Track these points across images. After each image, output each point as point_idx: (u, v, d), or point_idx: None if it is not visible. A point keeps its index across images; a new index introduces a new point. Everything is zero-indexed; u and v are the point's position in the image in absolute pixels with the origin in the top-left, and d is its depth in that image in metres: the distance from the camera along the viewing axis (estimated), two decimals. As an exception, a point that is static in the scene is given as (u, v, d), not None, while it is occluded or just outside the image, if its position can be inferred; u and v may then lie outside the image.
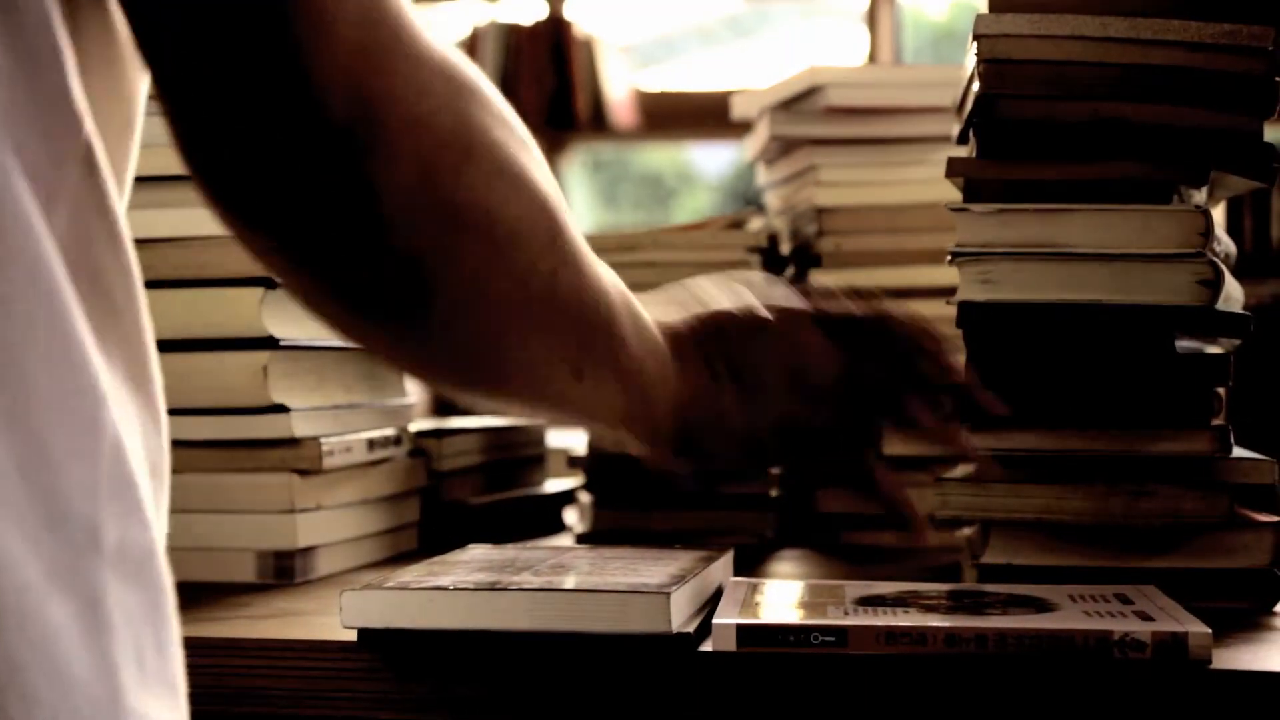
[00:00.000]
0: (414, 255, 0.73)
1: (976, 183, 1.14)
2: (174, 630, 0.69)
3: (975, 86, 1.13)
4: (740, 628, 0.91)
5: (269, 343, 1.20)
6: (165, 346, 0.76)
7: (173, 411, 0.75)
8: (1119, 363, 1.10)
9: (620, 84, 4.58)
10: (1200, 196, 1.14)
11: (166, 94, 0.69)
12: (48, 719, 0.59)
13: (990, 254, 1.10)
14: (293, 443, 1.20)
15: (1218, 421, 1.09)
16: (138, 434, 0.69)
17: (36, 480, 0.61)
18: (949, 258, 1.12)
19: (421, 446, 1.41)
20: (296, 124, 0.67)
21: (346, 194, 0.69)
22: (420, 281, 0.74)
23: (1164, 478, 1.08)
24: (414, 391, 1.46)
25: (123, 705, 0.63)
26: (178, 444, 0.77)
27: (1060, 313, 1.09)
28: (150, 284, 0.73)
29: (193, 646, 0.97)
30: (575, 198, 4.62)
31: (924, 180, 1.47)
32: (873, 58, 4.34)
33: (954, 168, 1.15)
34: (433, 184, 0.71)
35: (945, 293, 1.14)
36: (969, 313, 1.11)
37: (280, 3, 0.64)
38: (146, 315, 0.71)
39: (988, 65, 1.11)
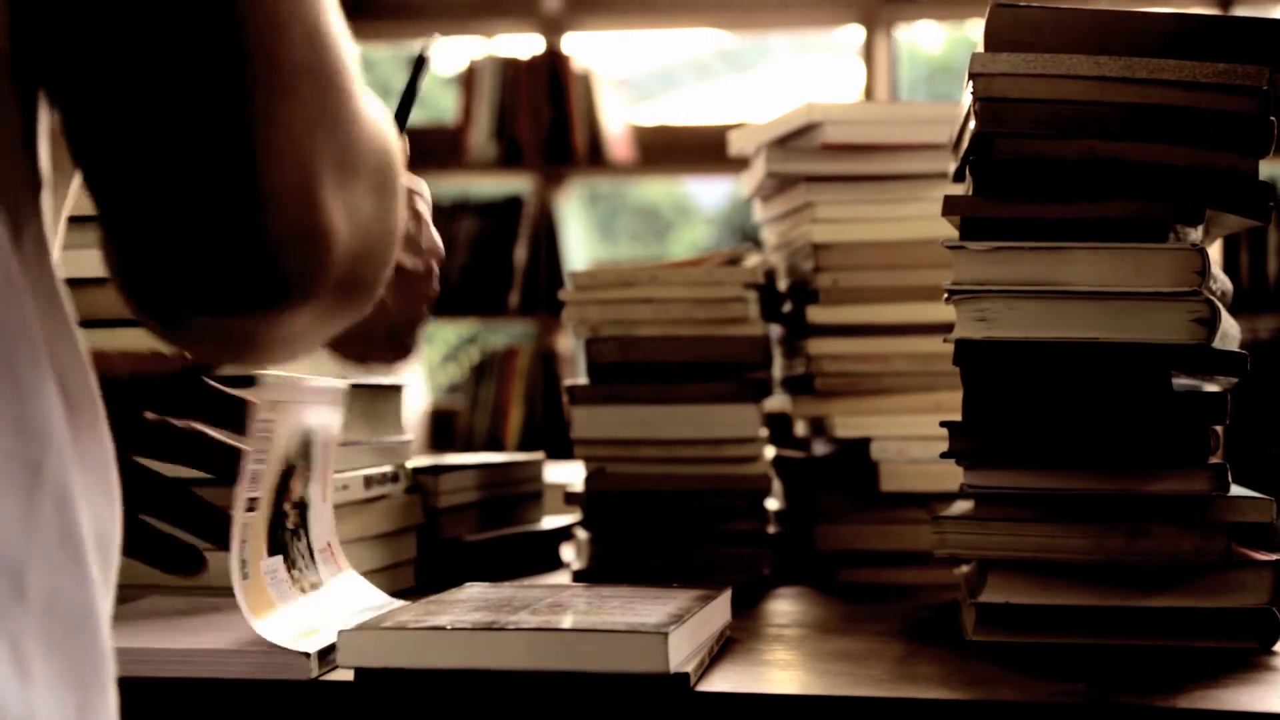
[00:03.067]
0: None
1: (973, 221, 1.14)
2: (109, 700, 0.65)
3: (971, 125, 1.13)
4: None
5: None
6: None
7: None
8: (1115, 401, 1.10)
9: (617, 118, 4.59)
10: (1196, 235, 1.14)
11: (105, 221, 0.66)
12: None
13: (987, 292, 1.11)
14: (289, 480, 1.20)
15: (1215, 460, 1.09)
16: (85, 497, 0.66)
17: None
18: (945, 295, 1.12)
19: (419, 483, 1.41)
20: (245, 279, 0.66)
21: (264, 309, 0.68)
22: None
23: (1161, 517, 1.08)
24: (411, 429, 1.46)
25: None
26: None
27: (1056, 351, 1.09)
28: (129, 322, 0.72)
29: (188, 686, 0.97)
30: (572, 231, 4.62)
31: (920, 217, 1.48)
32: (869, 92, 4.35)
33: (951, 206, 1.15)
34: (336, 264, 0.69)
35: (942, 329, 1.14)
36: (966, 350, 1.11)
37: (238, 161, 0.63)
38: (94, 380, 0.69)
39: (984, 104, 1.12)
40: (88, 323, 1.19)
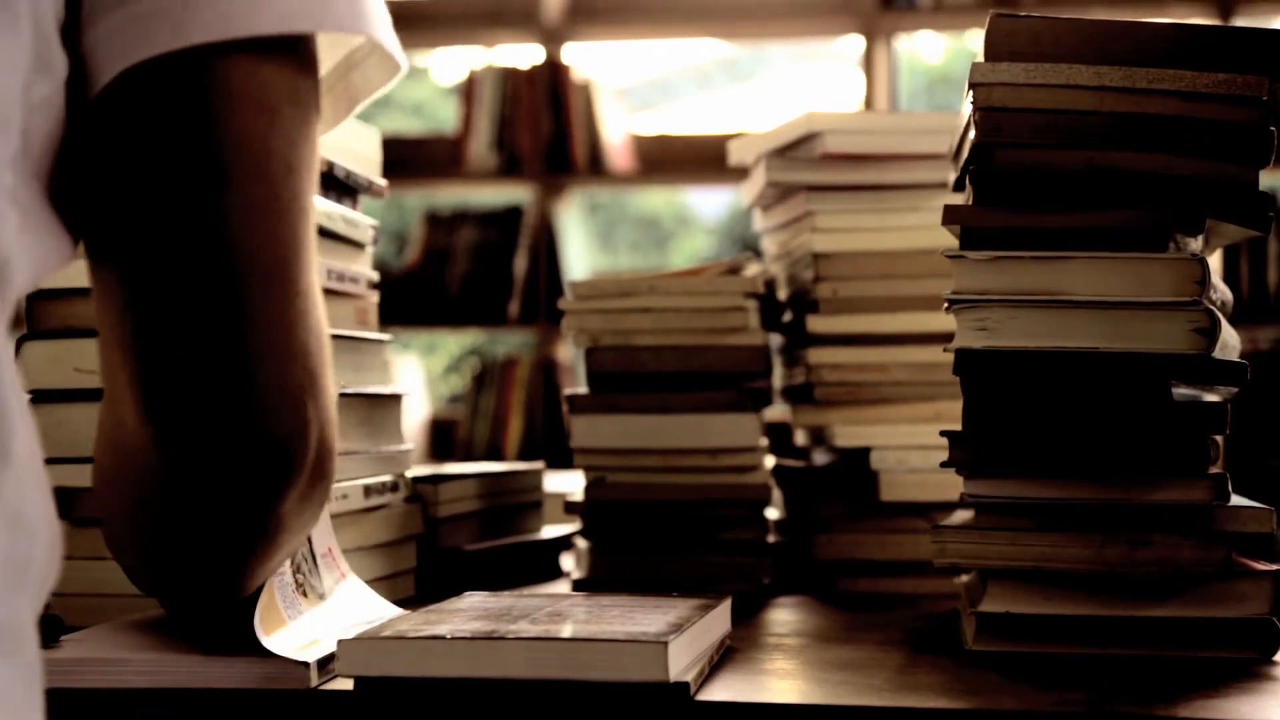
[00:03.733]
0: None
1: (973, 230, 1.14)
2: (40, 708, 0.71)
3: (971, 134, 1.13)
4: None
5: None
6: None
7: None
8: (1115, 411, 1.10)
9: (617, 128, 4.59)
10: (1196, 244, 1.14)
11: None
12: None
13: (987, 301, 1.11)
14: (289, 489, 1.20)
15: (1215, 470, 1.09)
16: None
17: None
18: (945, 304, 1.12)
19: (418, 492, 1.41)
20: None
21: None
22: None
23: (1162, 526, 1.08)
24: (411, 438, 1.46)
25: None
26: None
27: (1056, 360, 1.09)
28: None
29: (191, 697, 0.97)
30: (572, 240, 4.62)
31: (920, 226, 1.48)
32: (869, 102, 4.35)
33: (951, 215, 1.15)
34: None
35: (942, 339, 1.15)
36: (966, 360, 1.11)
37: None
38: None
39: (984, 114, 1.12)
40: (67, 331, 1.20)
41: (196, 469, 0.81)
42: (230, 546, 0.88)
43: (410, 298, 4.49)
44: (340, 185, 1.34)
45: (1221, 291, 1.19)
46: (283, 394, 0.80)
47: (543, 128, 4.51)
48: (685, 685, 0.93)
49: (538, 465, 1.69)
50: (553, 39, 4.57)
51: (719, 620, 1.08)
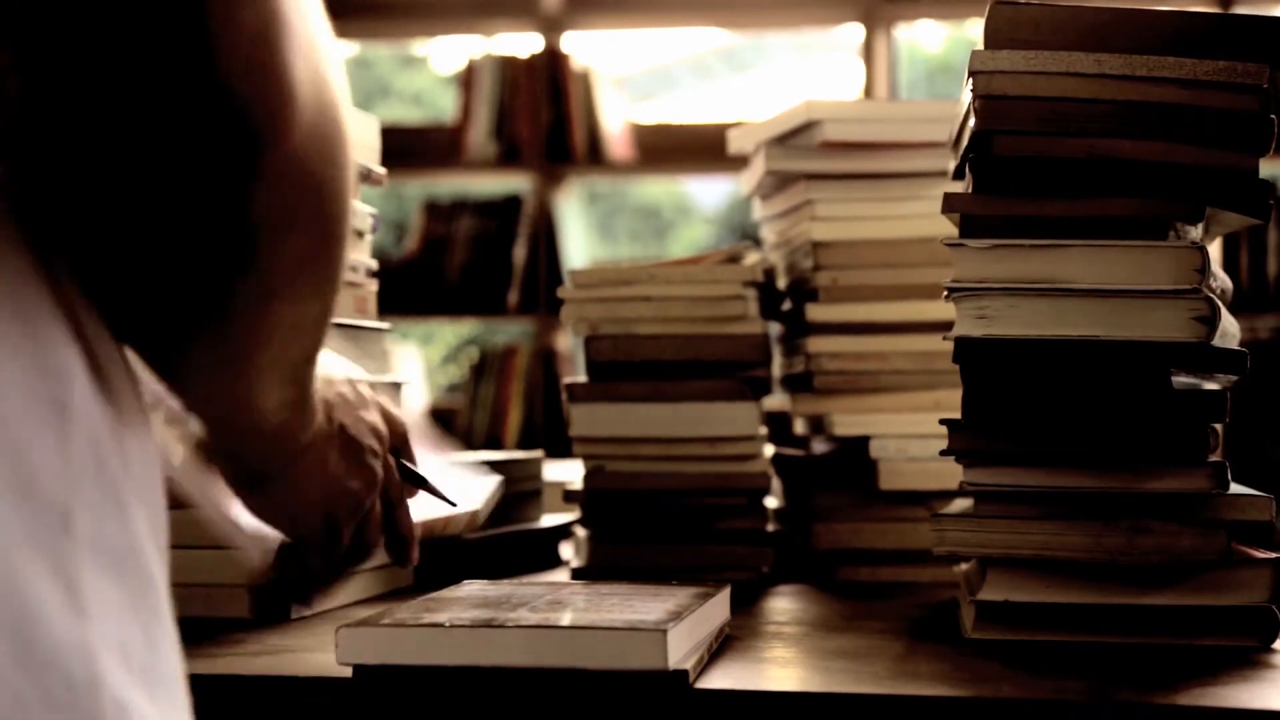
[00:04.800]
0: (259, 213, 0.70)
1: (973, 218, 1.14)
2: (167, 628, 0.66)
3: (971, 122, 1.13)
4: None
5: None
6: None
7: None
8: (1115, 399, 1.10)
9: (616, 117, 4.59)
10: (1196, 233, 1.14)
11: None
12: (7, 702, 0.56)
13: (987, 289, 1.10)
14: (288, 478, 1.20)
15: (1214, 458, 1.09)
16: (136, 495, 0.66)
17: (3, 446, 0.60)
18: (945, 293, 1.12)
19: (417, 481, 1.40)
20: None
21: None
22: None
23: (1161, 514, 1.08)
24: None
25: (105, 694, 0.60)
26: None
27: (1056, 348, 1.09)
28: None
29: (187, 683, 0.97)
30: (572, 230, 4.62)
31: (920, 215, 1.48)
32: (868, 91, 4.35)
33: (950, 204, 1.15)
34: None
35: (942, 327, 1.14)
36: (965, 348, 1.11)
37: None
38: (139, 388, 0.70)
39: (984, 102, 1.12)
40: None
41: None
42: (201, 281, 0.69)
43: (409, 287, 4.49)
44: (339, 173, 1.34)
45: (1221, 280, 1.19)
46: (235, 34, 0.63)
47: (542, 117, 4.51)
48: (684, 673, 0.93)
49: (537, 454, 1.69)
50: (552, 28, 4.57)
51: (718, 609, 1.08)
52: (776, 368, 1.56)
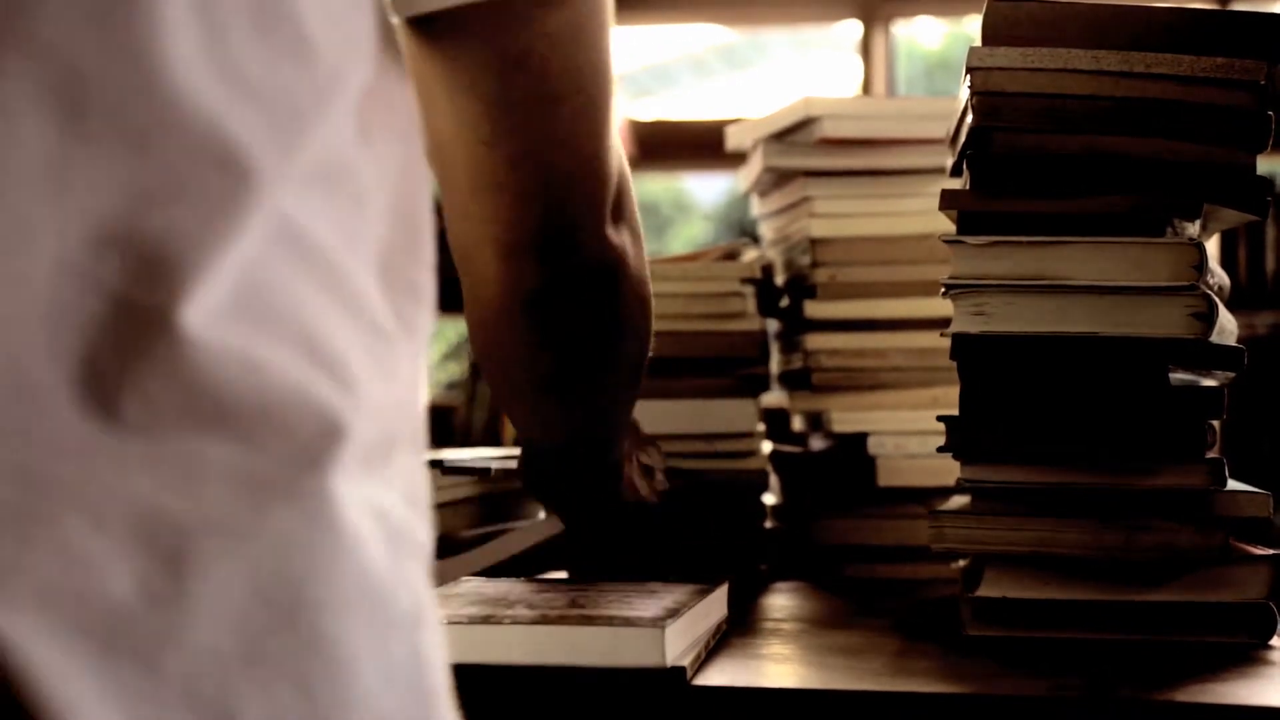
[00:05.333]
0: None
1: (970, 215, 1.13)
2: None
3: (969, 119, 1.13)
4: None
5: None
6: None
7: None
8: (1113, 396, 1.10)
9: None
10: (1193, 229, 1.14)
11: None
12: (358, 625, 0.56)
13: (984, 286, 1.10)
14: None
15: (1212, 455, 1.09)
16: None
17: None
18: (943, 290, 1.12)
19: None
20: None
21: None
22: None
23: (1159, 511, 1.08)
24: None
25: (427, 622, 0.61)
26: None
27: (1054, 345, 1.09)
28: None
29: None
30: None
31: (918, 212, 1.48)
32: (866, 88, 4.35)
33: (948, 200, 1.15)
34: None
35: (939, 324, 1.14)
36: (963, 344, 1.11)
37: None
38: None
39: (981, 98, 1.11)
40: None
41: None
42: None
43: (408, 284, 4.48)
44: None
45: (1219, 276, 1.19)
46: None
47: (540, 114, 4.50)
48: (682, 670, 0.93)
49: (535, 451, 1.68)
50: (550, 25, 4.56)
51: (716, 605, 1.08)
52: (774, 364, 1.56)
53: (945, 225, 1.18)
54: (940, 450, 1.13)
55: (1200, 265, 1.07)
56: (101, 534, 0.51)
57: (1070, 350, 1.09)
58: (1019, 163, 1.12)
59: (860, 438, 1.46)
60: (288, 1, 0.57)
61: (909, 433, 1.45)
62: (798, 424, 1.59)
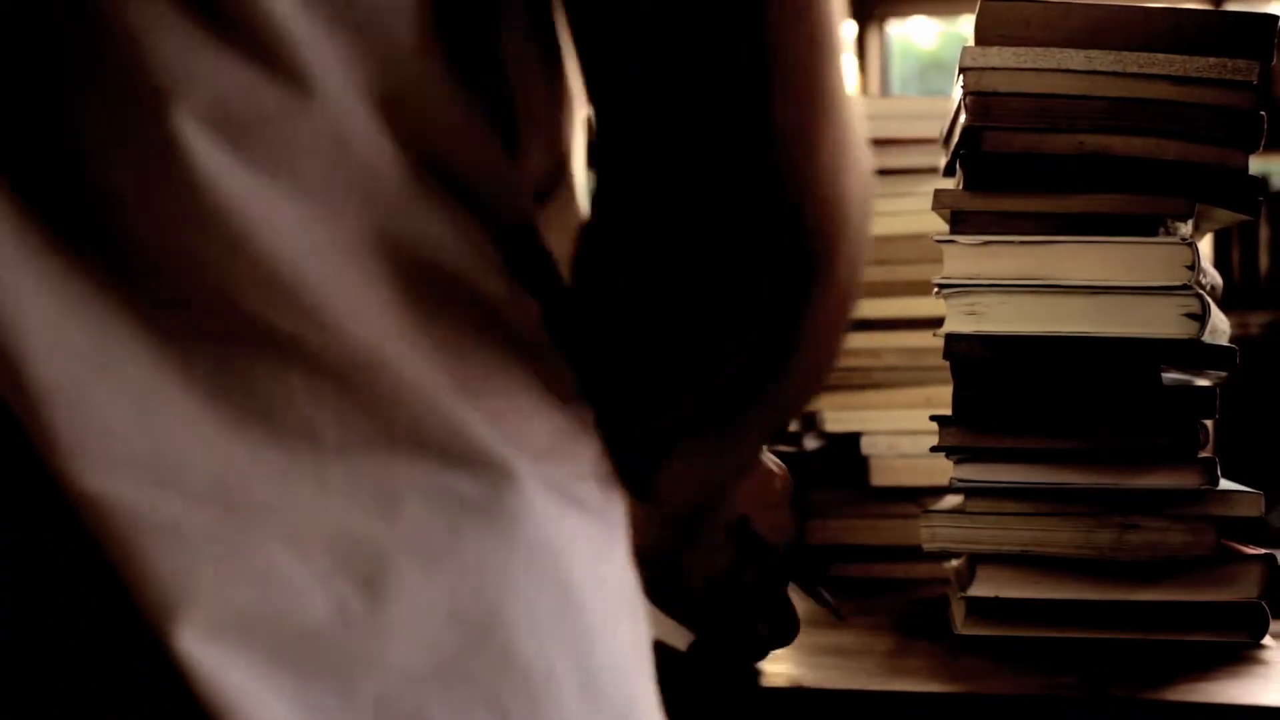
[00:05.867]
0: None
1: (963, 214, 1.14)
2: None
3: (962, 119, 1.13)
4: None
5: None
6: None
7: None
8: (1106, 395, 1.10)
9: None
10: (1186, 229, 1.14)
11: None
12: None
13: (977, 286, 1.11)
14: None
15: (1205, 454, 1.09)
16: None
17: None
18: (936, 289, 1.12)
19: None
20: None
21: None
22: None
23: (1151, 511, 1.08)
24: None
25: (626, 618, 0.59)
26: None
27: (1047, 345, 1.09)
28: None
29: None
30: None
31: (912, 211, 1.47)
32: (861, 88, 4.35)
33: (941, 200, 1.15)
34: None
35: (933, 324, 1.14)
36: (956, 344, 1.11)
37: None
38: None
39: (974, 98, 1.12)
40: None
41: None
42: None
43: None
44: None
45: (1211, 276, 1.19)
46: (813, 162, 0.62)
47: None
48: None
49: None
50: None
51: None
52: (768, 364, 1.56)
53: (939, 225, 1.19)
54: (933, 450, 1.13)
55: (1193, 265, 1.07)
56: (301, 558, 0.51)
57: (1063, 350, 1.09)
58: (1011, 162, 1.12)
59: (853, 437, 1.46)
60: None
61: (902, 432, 1.44)
62: (791, 424, 1.59)
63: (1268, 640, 1.07)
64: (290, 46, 0.52)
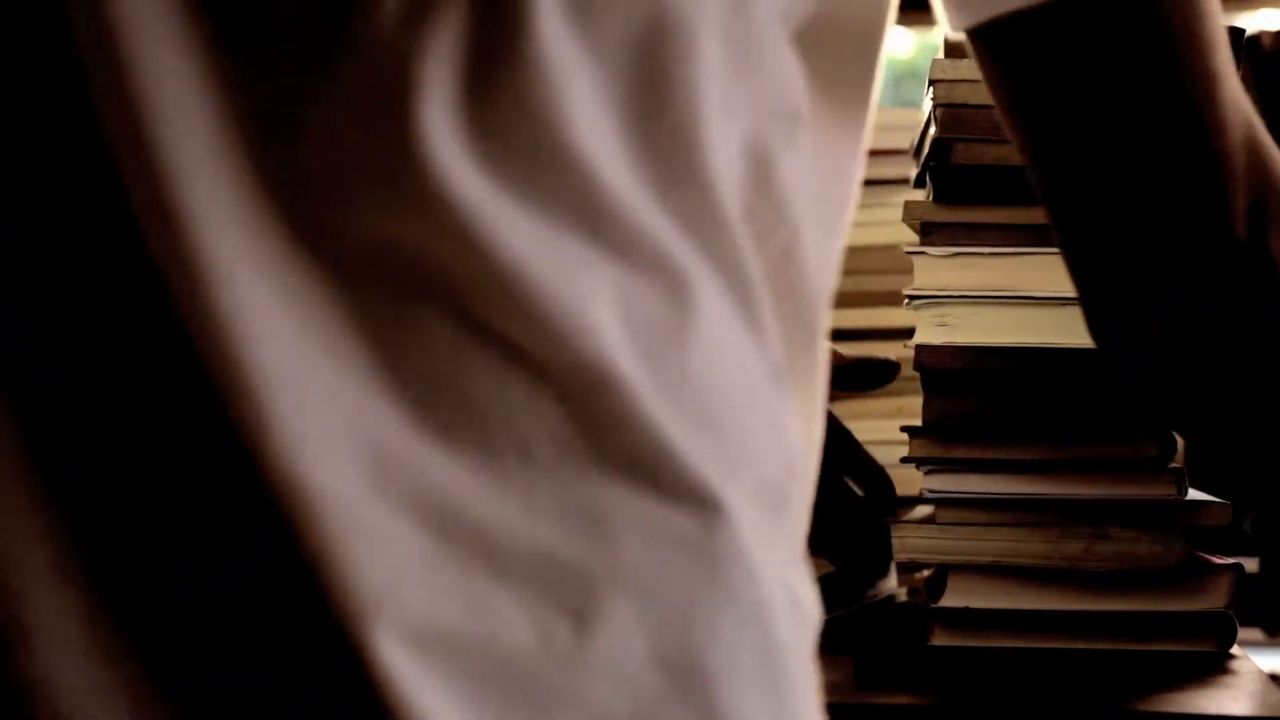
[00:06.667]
0: None
1: (933, 226, 1.14)
2: None
3: (932, 130, 1.13)
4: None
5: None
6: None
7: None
8: (1075, 406, 1.10)
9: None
10: (1155, 240, 1.14)
11: None
12: None
13: (947, 297, 1.11)
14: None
15: (1174, 464, 1.09)
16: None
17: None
18: (906, 300, 1.12)
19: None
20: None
21: None
22: None
23: (1121, 521, 1.08)
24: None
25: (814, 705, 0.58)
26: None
27: (1017, 356, 1.09)
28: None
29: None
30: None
31: (882, 223, 1.48)
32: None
33: (911, 211, 1.15)
34: None
35: (904, 335, 1.14)
36: (926, 355, 1.11)
37: None
38: None
39: (944, 109, 1.12)
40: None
41: None
42: None
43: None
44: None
45: (1181, 287, 1.19)
46: None
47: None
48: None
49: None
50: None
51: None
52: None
53: (911, 236, 1.19)
54: (904, 460, 1.13)
55: (1161, 276, 1.07)
56: (509, 580, 0.50)
57: (1033, 361, 1.09)
58: (982, 174, 1.12)
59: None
60: None
61: (873, 443, 1.44)
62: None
63: (1237, 650, 1.07)
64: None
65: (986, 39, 0.66)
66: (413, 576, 0.49)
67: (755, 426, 0.56)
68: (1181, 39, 0.65)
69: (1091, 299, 0.74)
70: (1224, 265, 0.68)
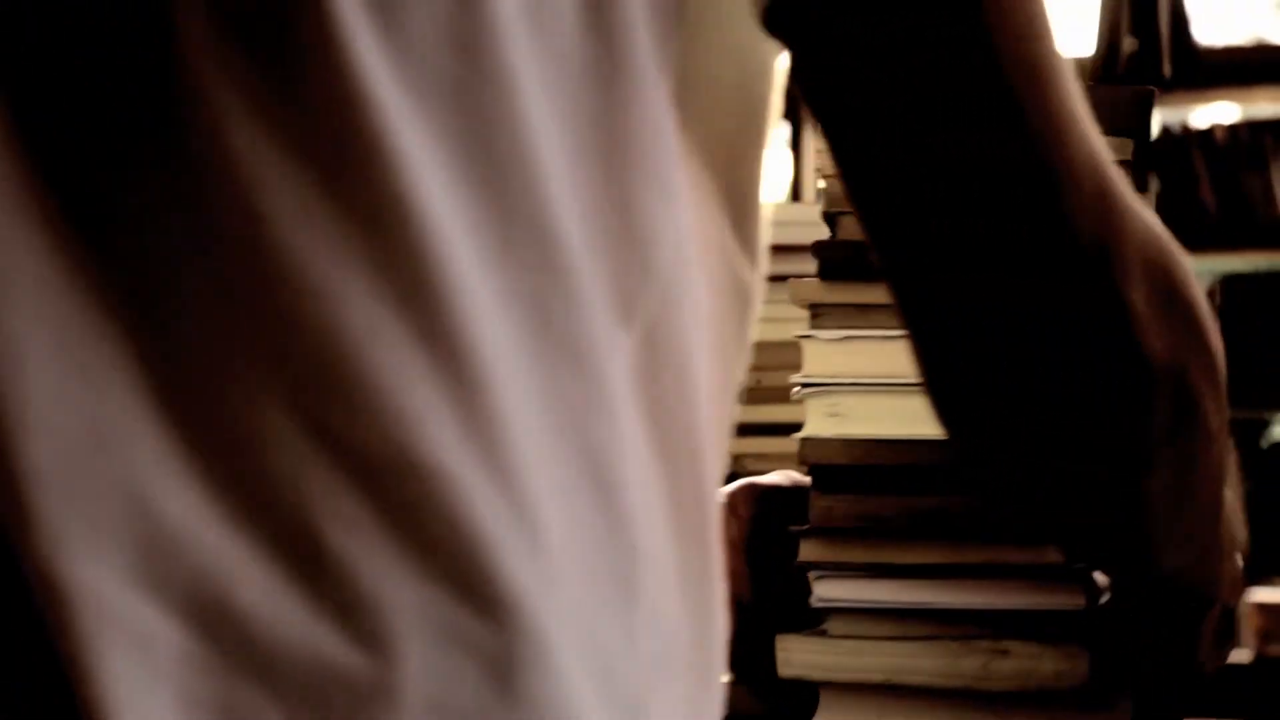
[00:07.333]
0: None
1: (821, 308, 1.07)
2: None
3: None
4: None
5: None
6: None
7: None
8: (975, 505, 1.01)
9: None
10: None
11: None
12: None
13: (838, 385, 1.04)
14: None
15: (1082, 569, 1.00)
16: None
17: None
18: (794, 390, 1.06)
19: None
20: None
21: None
22: None
23: (1022, 633, 0.99)
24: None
25: None
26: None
27: (910, 448, 1.02)
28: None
29: None
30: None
31: (776, 319, 1.41)
32: (796, 192, 4.32)
33: (798, 292, 1.08)
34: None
35: (795, 429, 1.06)
36: (812, 449, 1.04)
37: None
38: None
39: (828, 180, 1.07)
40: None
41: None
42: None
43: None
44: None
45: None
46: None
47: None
48: None
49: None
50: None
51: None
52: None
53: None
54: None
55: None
56: (272, 691, 0.47)
57: (927, 454, 1.01)
58: (869, 250, 1.04)
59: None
60: None
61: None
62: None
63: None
64: None
65: (783, 27, 0.61)
66: (169, 684, 0.46)
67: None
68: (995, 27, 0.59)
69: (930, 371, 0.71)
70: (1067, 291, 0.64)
